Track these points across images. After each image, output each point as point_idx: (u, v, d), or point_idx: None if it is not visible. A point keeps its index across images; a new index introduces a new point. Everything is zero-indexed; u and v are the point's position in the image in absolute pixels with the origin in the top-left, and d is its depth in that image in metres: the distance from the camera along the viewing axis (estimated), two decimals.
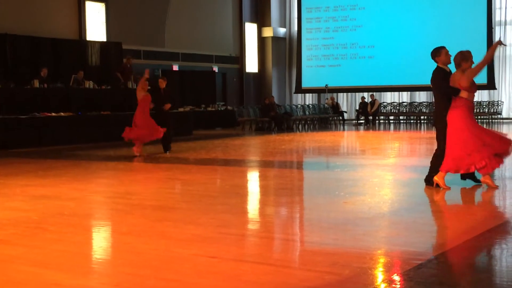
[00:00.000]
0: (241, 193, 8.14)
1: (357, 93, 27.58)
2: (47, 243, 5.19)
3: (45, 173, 10.02)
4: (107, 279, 4.19)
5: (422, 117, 25.67)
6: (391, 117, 26.55)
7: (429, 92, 26.58)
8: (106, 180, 9.75)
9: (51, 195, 7.67)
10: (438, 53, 7.98)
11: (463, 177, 7.89)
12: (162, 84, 12.76)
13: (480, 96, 25.73)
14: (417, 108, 25.84)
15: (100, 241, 5.58)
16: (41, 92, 16.25)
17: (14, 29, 17.88)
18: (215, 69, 25.63)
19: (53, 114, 15.69)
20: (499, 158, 7.43)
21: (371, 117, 25.12)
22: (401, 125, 24.70)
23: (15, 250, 4.96)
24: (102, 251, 5.14)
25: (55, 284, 3.99)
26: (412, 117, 25.85)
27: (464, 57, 7.75)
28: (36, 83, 16.35)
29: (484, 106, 24.58)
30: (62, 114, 15.75)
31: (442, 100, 7.84)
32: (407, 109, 26.05)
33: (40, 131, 15.07)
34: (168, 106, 12.59)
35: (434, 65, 8.24)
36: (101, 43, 20.57)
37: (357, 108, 26.35)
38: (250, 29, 27.96)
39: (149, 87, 12.61)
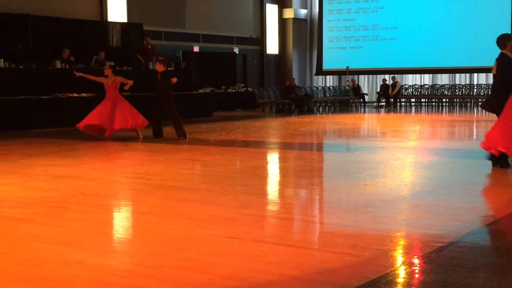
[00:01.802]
0: (261, 174, 8.15)
1: (378, 75, 27.40)
2: (69, 222, 5.24)
3: (67, 153, 10.10)
4: (128, 258, 4.22)
5: (444, 100, 25.45)
6: (413, 100, 26.36)
7: (451, 74, 26.35)
8: (127, 161, 9.81)
9: (72, 175, 7.74)
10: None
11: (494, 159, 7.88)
12: (159, 67, 12.19)
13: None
14: (439, 91, 25.62)
15: (121, 220, 5.63)
16: (63, 73, 16.34)
17: (35, 10, 17.96)
18: (236, 50, 25.57)
19: (75, 94, 15.80)
20: None
21: (392, 100, 24.96)
22: (423, 108, 24.52)
23: (37, 228, 5.01)
24: (123, 231, 5.18)
25: (78, 262, 4.04)
26: (433, 100, 25.63)
27: None
28: (58, 64, 16.45)
29: None
30: (83, 94, 15.85)
31: (500, 85, 7.91)
32: (429, 92, 25.83)
33: (62, 112, 15.18)
34: (175, 80, 12.16)
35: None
36: (122, 24, 20.60)
37: (378, 90, 26.19)
38: (271, 10, 27.82)
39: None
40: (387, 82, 25.22)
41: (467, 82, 26.04)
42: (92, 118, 12.15)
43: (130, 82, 12.35)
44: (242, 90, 23.15)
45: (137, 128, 12.37)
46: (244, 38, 26.22)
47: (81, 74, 12.81)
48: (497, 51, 8.10)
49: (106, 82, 12.40)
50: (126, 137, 12.41)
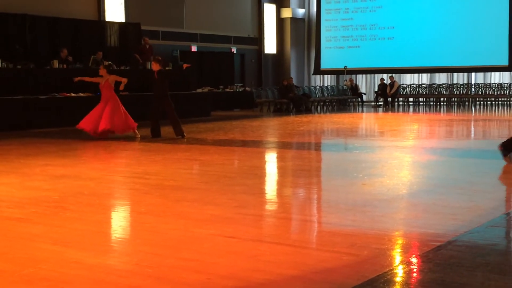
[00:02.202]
0: (259, 174, 8.15)
1: (376, 75, 27.41)
2: (67, 222, 5.24)
3: (65, 153, 10.09)
4: (126, 257, 4.22)
5: (441, 99, 25.46)
6: (411, 99, 26.37)
7: (449, 74, 26.38)
8: (125, 160, 9.80)
9: (70, 174, 7.73)
10: None
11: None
12: (155, 66, 12.07)
13: (502, 77, 25.46)
14: (437, 90, 25.62)
15: (120, 220, 5.63)
16: (61, 73, 16.33)
17: (33, 10, 17.94)
18: (234, 50, 25.56)
19: (72, 94, 15.78)
20: None
21: (390, 99, 24.96)
22: (421, 107, 24.54)
23: (36, 228, 5.01)
24: (122, 230, 5.18)
25: (76, 262, 4.03)
26: (431, 99, 25.65)
27: None
28: (56, 64, 16.43)
29: (505, 88, 24.32)
30: (81, 94, 15.84)
31: None
32: (427, 91, 25.85)
33: (60, 112, 15.17)
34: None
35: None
36: (120, 23, 20.58)
37: (376, 89, 26.19)
38: (269, 10, 27.81)
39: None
40: (385, 82, 25.23)
41: (465, 81, 26.06)
42: (87, 123, 12.14)
43: (124, 80, 12.27)
44: (240, 90, 23.13)
45: (118, 132, 12.24)
46: (242, 37, 26.21)
47: (79, 78, 12.74)
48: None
49: (100, 82, 12.37)
50: (124, 137, 12.39)
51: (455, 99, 25.41)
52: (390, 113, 21.41)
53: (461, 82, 25.95)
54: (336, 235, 4.65)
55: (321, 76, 28.91)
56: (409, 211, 5.54)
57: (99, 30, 19.85)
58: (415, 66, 26.03)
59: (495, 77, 25.65)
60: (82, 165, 8.69)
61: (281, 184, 7.53)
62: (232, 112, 21.32)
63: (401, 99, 26.25)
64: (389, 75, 25.51)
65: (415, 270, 3.84)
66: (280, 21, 28.28)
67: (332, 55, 27.51)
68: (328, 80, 29.10)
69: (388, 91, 24.86)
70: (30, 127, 14.38)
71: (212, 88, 21.43)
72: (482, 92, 24.72)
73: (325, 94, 24.89)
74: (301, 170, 8.28)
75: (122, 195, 6.83)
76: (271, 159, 10.06)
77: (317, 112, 21.75)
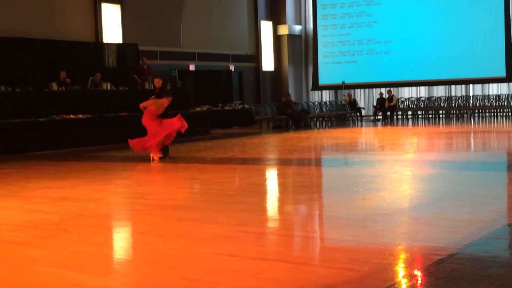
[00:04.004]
0: (259, 191, 8.14)
1: (374, 89, 27.48)
2: (68, 244, 5.22)
3: (65, 175, 10.09)
4: (127, 279, 4.21)
5: (440, 112, 25.51)
6: (409, 113, 26.41)
7: (447, 86, 26.46)
8: (125, 181, 9.79)
9: (71, 196, 7.73)
10: None
11: None
12: (158, 84, 12.12)
13: (500, 89, 25.52)
14: (435, 103, 25.68)
15: (120, 241, 5.61)
16: (59, 95, 16.38)
17: (31, 33, 18.03)
18: (232, 68, 25.66)
19: (72, 116, 15.81)
20: None
21: (389, 113, 25.00)
22: (420, 120, 24.56)
23: (36, 251, 5.00)
24: (122, 252, 5.16)
25: (77, 284, 4.02)
26: (430, 112, 25.69)
27: None
28: (54, 86, 16.49)
29: (503, 99, 24.37)
30: (80, 116, 15.87)
31: None
32: (425, 104, 25.90)
33: (59, 134, 15.19)
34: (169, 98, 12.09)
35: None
36: (118, 45, 20.68)
37: (375, 104, 26.24)
38: (266, 27, 27.95)
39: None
40: (384, 96, 25.28)
41: (463, 94, 26.13)
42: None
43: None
44: (239, 107, 23.18)
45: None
46: (240, 55, 26.32)
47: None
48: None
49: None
50: (125, 158, 12.39)
51: (454, 112, 25.46)
52: (389, 127, 21.43)
53: (459, 94, 26.01)
54: (337, 251, 4.64)
55: (319, 91, 28.99)
56: (410, 225, 5.53)
57: (97, 52, 19.94)
58: (413, 80, 26.12)
59: (493, 89, 25.70)
60: (82, 186, 8.68)
61: (281, 201, 7.53)
62: (231, 130, 21.34)
63: (399, 112, 26.30)
64: (387, 89, 25.58)
65: (417, 284, 3.82)
66: (277, 38, 28.42)
67: (330, 70, 27.60)
68: (326, 96, 29.17)
69: (386, 105, 24.90)
70: (29, 150, 14.37)
71: (210, 106, 21.48)
72: (480, 104, 24.78)
73: (324, 110, 24.94)
74: (301, 187, 8.28)
75: (123, 216, 6.82)
76: (271, 176, 10.05)
77: (316, 128, 21.77)
